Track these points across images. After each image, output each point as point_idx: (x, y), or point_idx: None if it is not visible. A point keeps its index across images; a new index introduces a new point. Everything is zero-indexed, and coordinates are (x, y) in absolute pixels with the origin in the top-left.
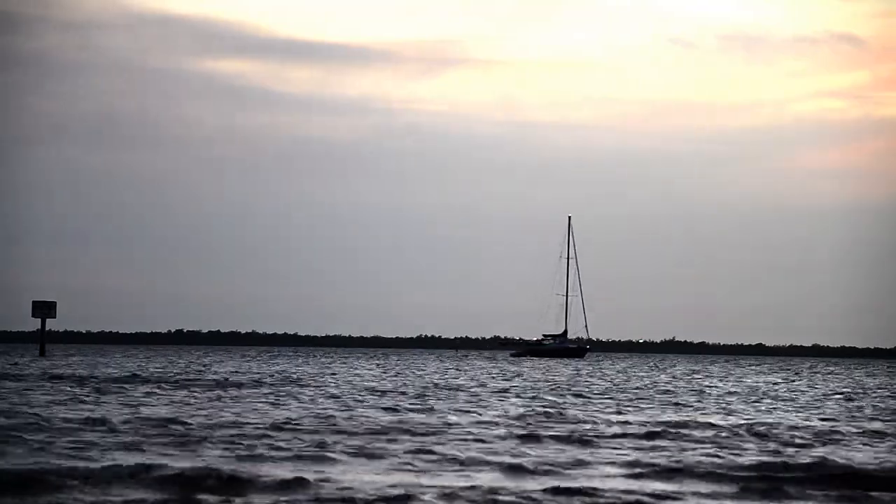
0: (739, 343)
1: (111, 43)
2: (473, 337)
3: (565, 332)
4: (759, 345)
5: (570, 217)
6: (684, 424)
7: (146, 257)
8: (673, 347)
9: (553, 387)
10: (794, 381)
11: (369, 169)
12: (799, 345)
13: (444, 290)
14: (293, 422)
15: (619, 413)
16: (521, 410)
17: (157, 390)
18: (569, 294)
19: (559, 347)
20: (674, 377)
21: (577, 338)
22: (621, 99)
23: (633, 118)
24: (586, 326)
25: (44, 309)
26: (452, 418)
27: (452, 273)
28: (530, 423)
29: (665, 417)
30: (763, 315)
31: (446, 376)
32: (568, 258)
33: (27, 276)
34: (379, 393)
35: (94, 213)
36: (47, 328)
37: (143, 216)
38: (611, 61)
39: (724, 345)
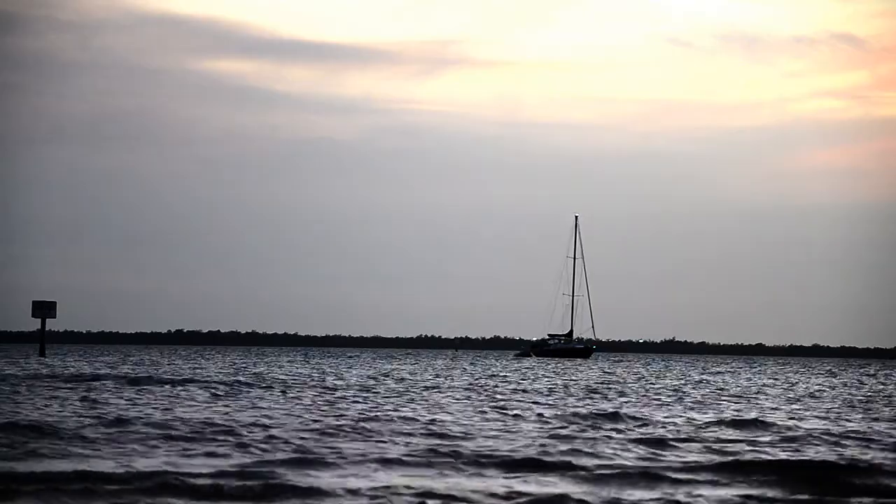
0: (739, 343)
1: (111, 43)
2: (473, 337)
3: (571, 332)
4: (759, 345)
5: (576, 216)
6: None
7: (146, 257)
8: (673, 347)
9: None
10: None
11: (369, 169)
12: (799, 345)
13: (443, 290)
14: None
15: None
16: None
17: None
18: (574, 294)
19: (565, 347)
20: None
21: (578, 338)
22: (621, 99)
23: (633, 118)
24: (593, 327)
25: (44, 309)
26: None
27: (452, 273)
28: None
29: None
30: (763, 315)
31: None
32: (574, 258)
33: (27, 276)
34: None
35: (94, 213)
36: (47, 328)
37: (143, 216)
38: (611, 61)
39: (723, 345)
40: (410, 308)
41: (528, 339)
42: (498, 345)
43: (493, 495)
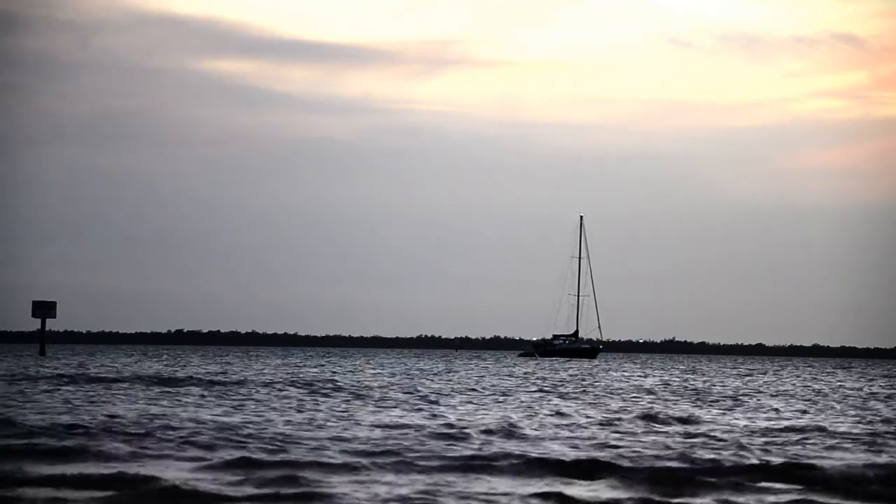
0: (739, 343)
1: (111, 43)
2: (473, 337)
3: (576, 332)
4: (759, 345)
5: (581, 216)
6: None
7: (146, 257)
8: (673, 347)
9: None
10: None
11: (369, 169)
12: (799, 345)
13: (443, 289)
14: None
15: None
16: None
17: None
18: (580, 294)
19: (571, 347)
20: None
21: (581, 338)
22: (621, 99)
23: (633, 118)
24: (599, 327)
25: (44, 309)
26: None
27: (452, 273)
28: None
29: None
30: (763, 315)
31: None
32: (580, 258)
33: (27, 276)
34: None
35: (94, 213)
36: (47, 328)
37: (143, 216)
38: (611, 61)
39: (723, 345)
40: (410, 308)
41: (529, 339)
42: (498, 345)
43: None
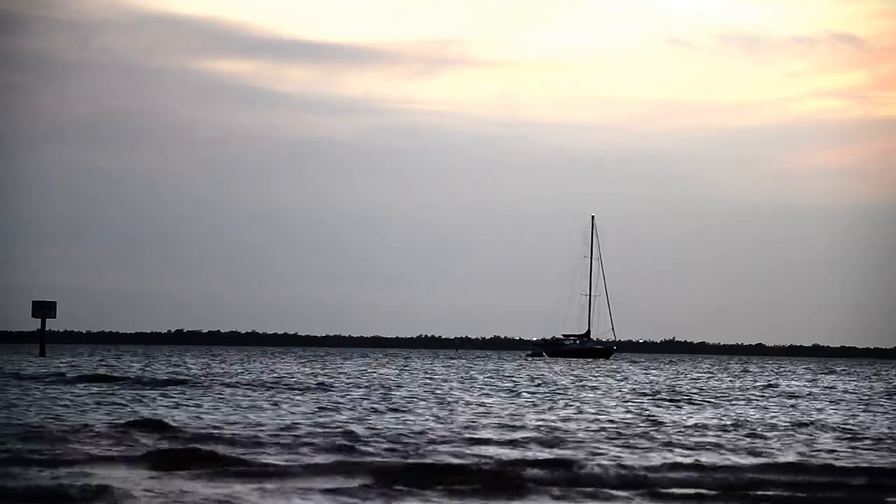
0: (739, 343)
1: (111, 43)
2: (473, 337)
3: (588, 332)
4: (759, 345)
5: (593, 217)
6: None
7: (146, 257)
8: (673, 347)
9: None
10: None
11: (369, 169)
12: (799, 345)
13: (443, 289)
14: None
15: None
16: None
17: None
18: (592, 294)
19: (583, 347)
20: None
21: (590, 338)
22: (621, 99)
23: (633, 118)
24: (612, 328)
25: (44, 309)
26: None
27: (452, 273)
28: None
29: None
30: (763, 315)
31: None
32: (591, 258)
33: (27, 276)
34: None
35: (94, 213)
36: (47, 328)
37: (143, 216)
38: (611, 61)
39: (724, 345)
40: (410, 308)
41: (529, 339)
42: (498, 345)
43: None
